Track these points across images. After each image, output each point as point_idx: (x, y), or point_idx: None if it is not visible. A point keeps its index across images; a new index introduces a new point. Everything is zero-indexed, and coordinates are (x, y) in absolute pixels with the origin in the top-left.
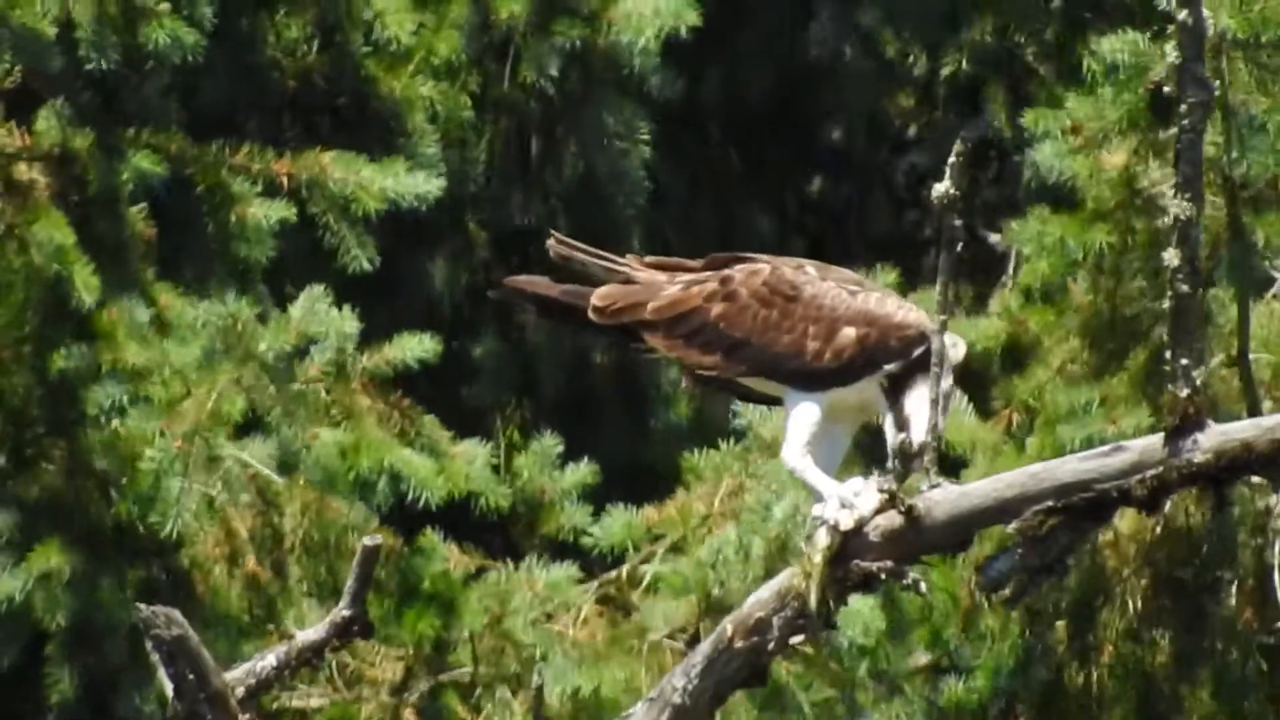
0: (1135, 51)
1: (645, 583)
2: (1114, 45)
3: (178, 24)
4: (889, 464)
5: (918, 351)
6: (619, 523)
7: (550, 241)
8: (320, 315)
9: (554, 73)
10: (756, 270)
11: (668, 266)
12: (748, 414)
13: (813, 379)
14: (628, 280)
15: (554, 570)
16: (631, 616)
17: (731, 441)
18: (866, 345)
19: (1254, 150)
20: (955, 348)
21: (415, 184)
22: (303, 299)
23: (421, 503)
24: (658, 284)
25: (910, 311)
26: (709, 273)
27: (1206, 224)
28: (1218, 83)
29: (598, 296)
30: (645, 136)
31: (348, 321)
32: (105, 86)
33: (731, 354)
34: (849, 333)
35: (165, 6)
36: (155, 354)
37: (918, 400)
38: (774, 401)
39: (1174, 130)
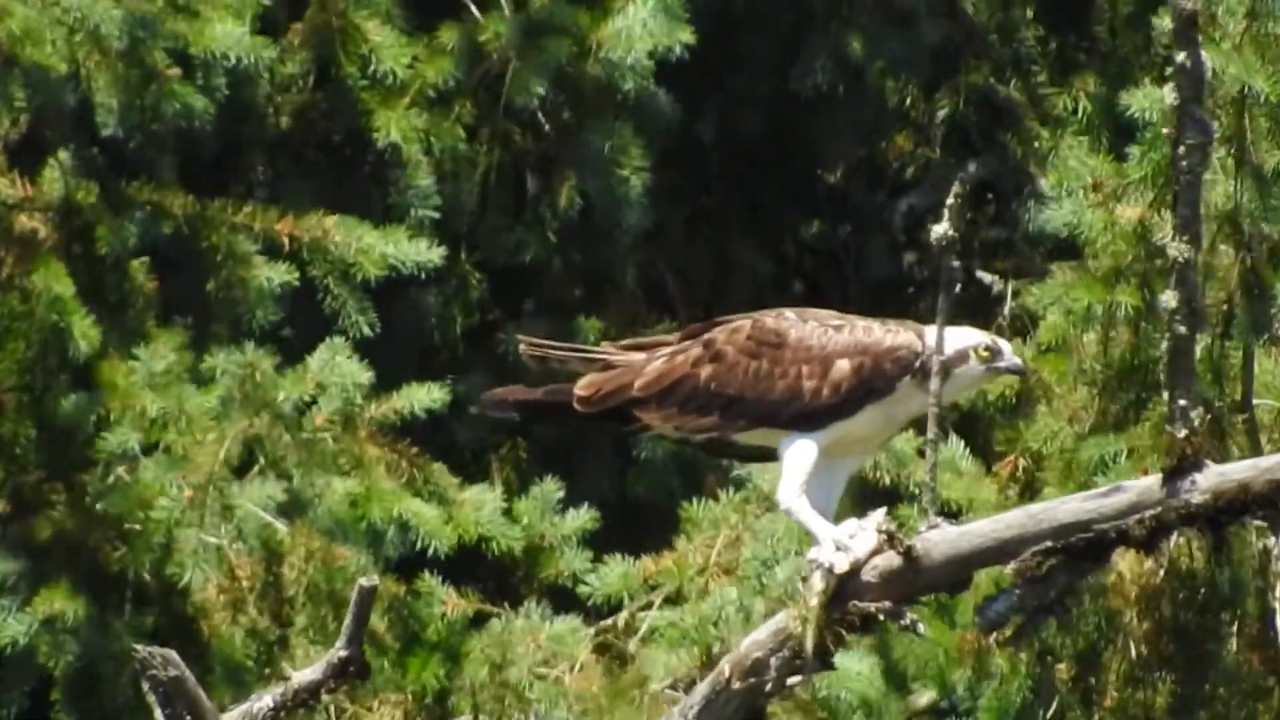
0: (1163, 110)
1: (642, 632)
2: (1142, 102)
3: (189, 90)
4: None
5: (915, 367)
6: (616, 573)
7: (521, 346)
8: (340, 366)
9: (542, 91)
10: (737, 327)
11: (644, 346)
12: (747, 464)
13: (814, 418)
14: (607, 366)
15: (557, 623)
16: (629, 665)
17: (730, 492)
18: (863, 374)
19: (1274, 207)
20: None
21: (417, 251)
22: (322, 350)
23: (431, 552)
24: (639, 363)
25: (899, 334)
26: (689, 341)
27: (1221, 275)
28: (1226, 136)
29: (581, 387)
30: (642, 163)
31: (362, 373)
32: (109, 140)
33: (728, 411)
34: (843, 365)
35: (176, 72)
36: (170, 403)
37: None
38: (773, 457)
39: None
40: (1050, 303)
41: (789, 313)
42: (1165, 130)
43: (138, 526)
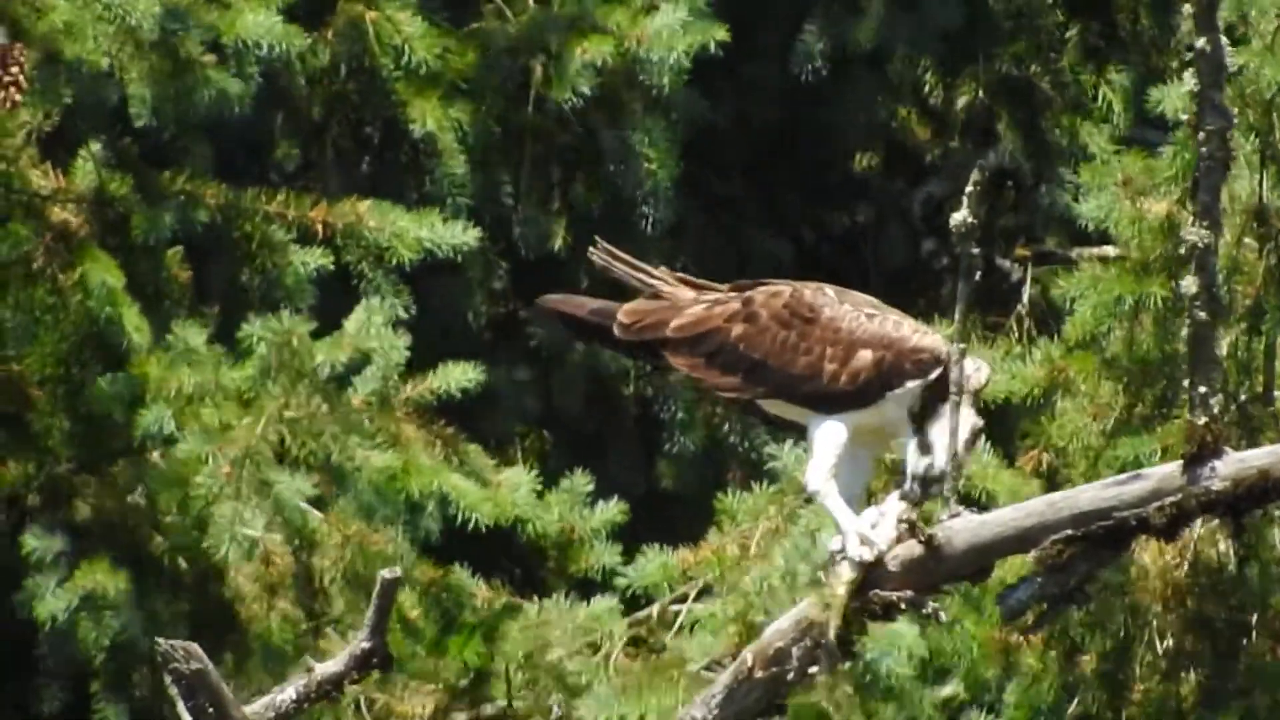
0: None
1: (679, 624)
2: (1175, 102)
3: (224, 75)
4: (908, 487)
5: (933, 374)
6: (654, 564)
7: (593, 250)
8: (376, 330)
9: (587, 90)
10: (777, 292)
11: (697, 286)
12: (784, 456)
13: (829, 401)
14: (656, 295)
15: (595, 603)
16: (665, 654)
17: (765, 484)
18: (882, 368)
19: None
20: (979, 372)
21: (452, 234)
22: (358, 312)
23: (471, 525)
24: (684, 301)
25: (927, 336)
26: (732, 294)
27: (1247, 270)
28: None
29: (624, 312)
30: (670, 157)
31: (396, 347)
32: (144, 131)
33: (751, 375)
34: (865, 355)
35: (211, 58)
36: (207, 376)
37: (942, 428)
38: (797, 428)
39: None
40: (1078, 295)
41: (829, 290)
42: (1185, 116)
43: (174, 506)
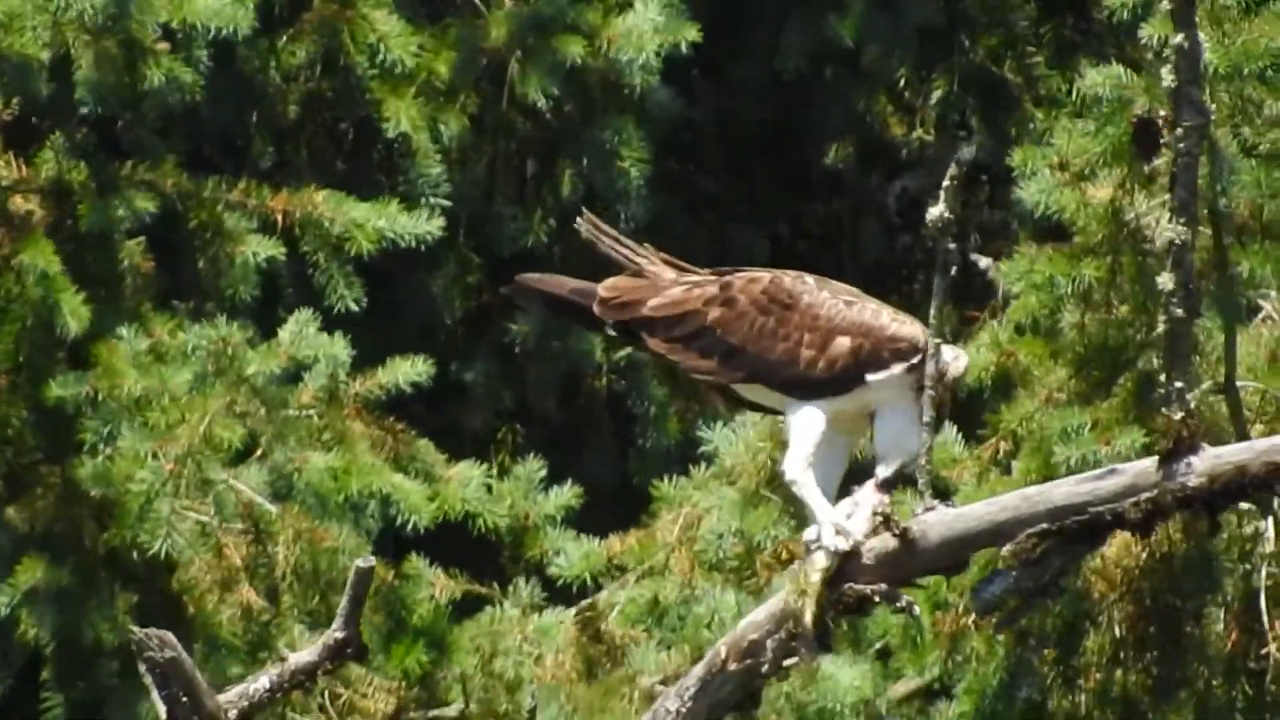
0: (1118, 86)
1: (615, 612)
2: (1096, 79)
3: (176, 64)
4: (880, 473)
5: (912, 361)
6: (580, 553)
7: (579, 220)
8: (309, 339)
9: (555, 91)
10: (756, 278)
11: (678, 267)
12: (715, 438)
13: (806, 388)
14: (639, 274)
15: (546, 616)
16: (607, 644)
17: (702, 467)
18: (860, 356)
19: (1237, 182)
20: (957, 361)
21: (414, 224)
22: (292, 323)
23: (410, 527)
24: (664, 281)
25: (905, 324)
26: (712, 278)
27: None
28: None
29: (604, 288)
30: (644, 155)
31: (339, 347)
32: (102, 122)
33: (728, 360)
34: (843, 343)
35: (164, 46)
36: (153, 381)
37: (905, 418)
38: (775, 412)
39: (1159, 162)
40: (1016, 279)
41: (809, 277)
42: (1162, 113)
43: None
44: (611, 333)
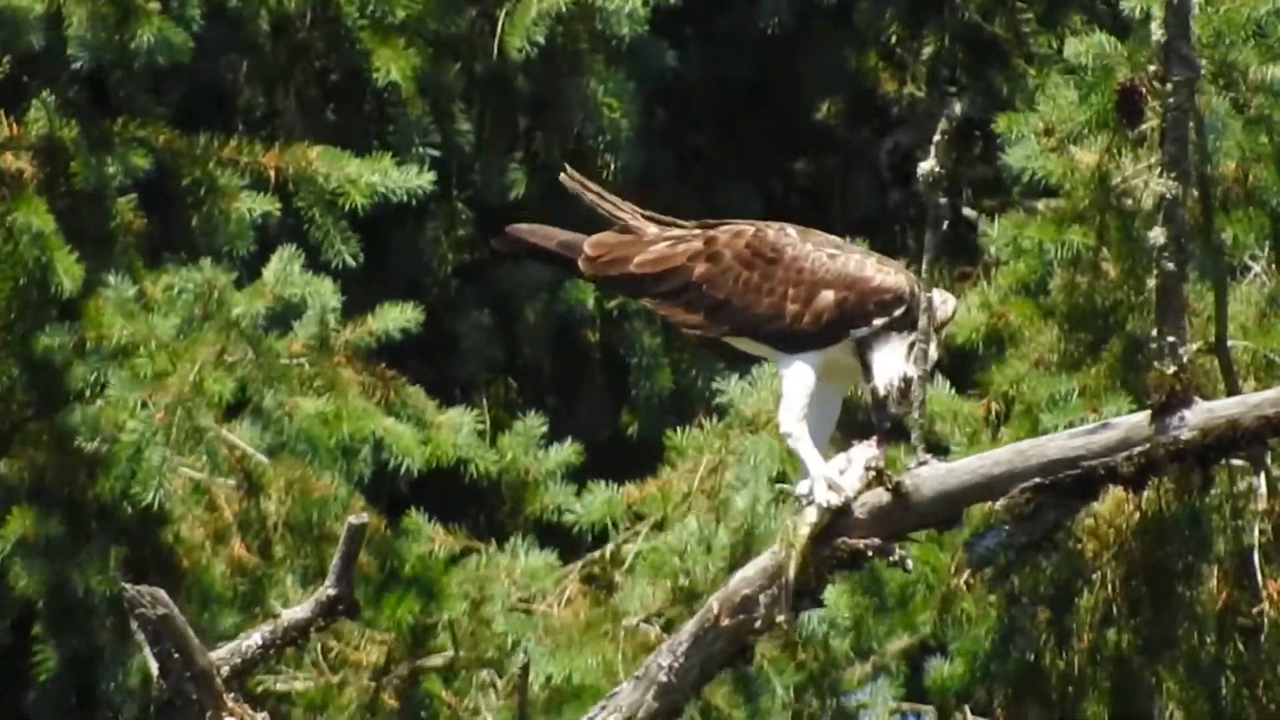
0: (1101, 54)
1: (628, 563)
2: (1079, 48)
3: (167, 24)
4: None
5: (897, 313)
6: (600, 500)
7: (564, 175)
8: (295, 278)
9: (541, 40)
10: (740, 232)
11: (662, 222)
12: (730, 390)
13: (792, 341)
14: (625, 229)
15: (533, 557)
16: (614, 597)
17: (714, 418)
18: (845, 308)
19: (1223, 146)
20: (945, 305)
21: (406, 178)
22: (275, 260)
23: (403, 470)
24: (648, 236)
25: (889, 275)
26: (696, 232)
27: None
28: None
29: (589, 245)
30: (632, 107)
31: (329, 293)
32: (94, 79)
33: (714, 314)
34: (828, 296)
35: (155, 6)
36: (140, 328)
37: (889, 354)
38: (763, 361)
39: (1144, 127)
40: (1005, 244)
41: (791, 230)
42: (1152, 68)
43: (104, 449)
44: (598, 284)
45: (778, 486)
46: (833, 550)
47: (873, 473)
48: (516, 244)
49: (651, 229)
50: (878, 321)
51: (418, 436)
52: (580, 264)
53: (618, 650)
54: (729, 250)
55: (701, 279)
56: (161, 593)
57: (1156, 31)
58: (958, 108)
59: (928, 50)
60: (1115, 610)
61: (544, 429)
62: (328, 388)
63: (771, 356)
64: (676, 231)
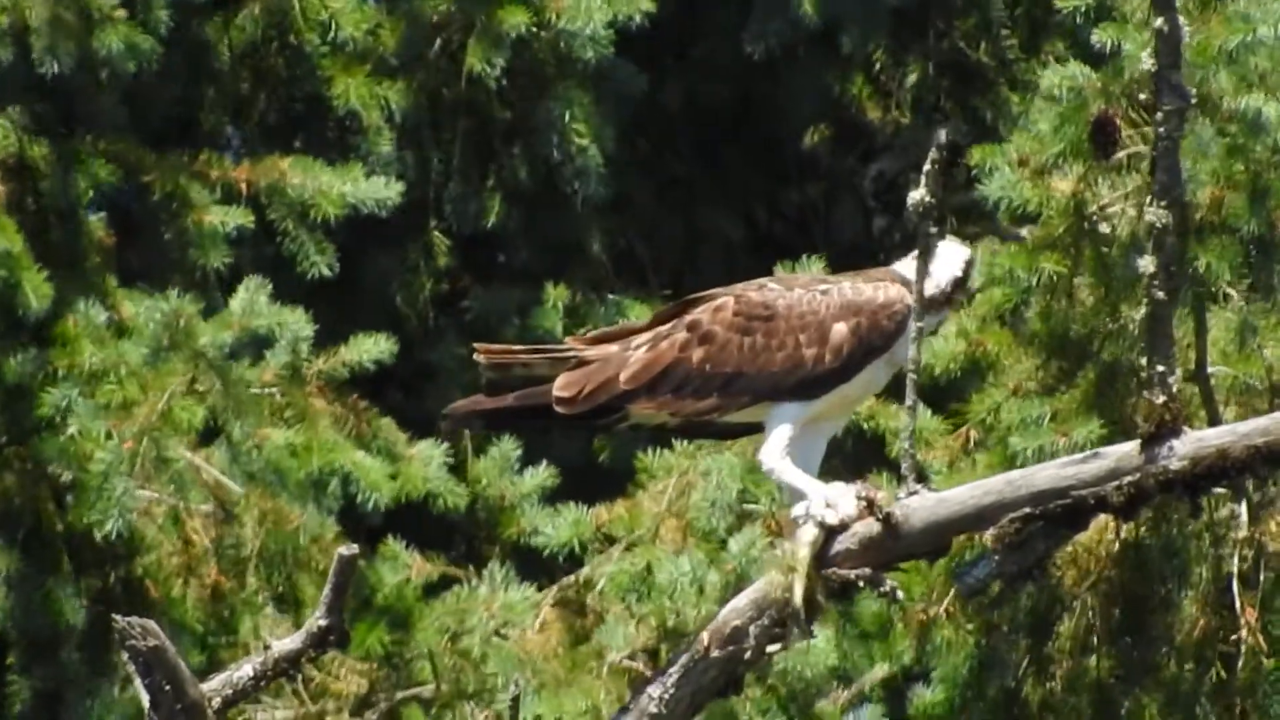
0: (1074, 85)
1: (601, 585)
2: (1053, 79)
3: (133, 30)
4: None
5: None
6: (568, 521)
7: (478, 357)
8: (262, 308)
9: (502, 63)
10: (720, 305)
11: (612, 337)
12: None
13: (818, 384)
14: (581, 363)
15: (512, 591)
16: (589, 619)
17: (685, 440)
18: (861, 334)
19: (1197, 177)
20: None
21: (375, 189)
22: (241, 291)
23: (370, 505)
24: (617, 356)
25: (888, 289)
26: (671, 324)
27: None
28: None
29: (559, 387)
30: (601, 132)
31: (301, 323)
32: (62, 95)
33: (727, 390)
34: (840, 328)
35: (121, 13)
36: (110, 354)
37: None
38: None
39: (1121, 155)
40: (979, 271)
41: (770, 283)
42: (1142, 95)
43: (70, 478)
44: (580, 423)
45: (744, 506)
46: (824, 580)
47: (863, 502)
48: (468, 419)
49: (611, 346)
50: (894, 339)
51: (387, 470)
52: (558, 409)
53: (604, 690)
54: (719, 325)
55: (703, 362)
56: (152, 624)
57: (1147, 60)
58: (943, 134)
59: (912, 77)
60: (1095, 638)
61: (518, 453)
62: (299, 418)
63: (775, 415)
64: (644, 336)
